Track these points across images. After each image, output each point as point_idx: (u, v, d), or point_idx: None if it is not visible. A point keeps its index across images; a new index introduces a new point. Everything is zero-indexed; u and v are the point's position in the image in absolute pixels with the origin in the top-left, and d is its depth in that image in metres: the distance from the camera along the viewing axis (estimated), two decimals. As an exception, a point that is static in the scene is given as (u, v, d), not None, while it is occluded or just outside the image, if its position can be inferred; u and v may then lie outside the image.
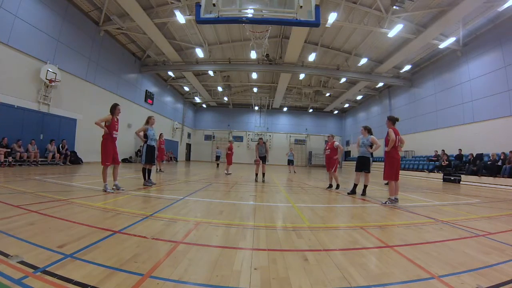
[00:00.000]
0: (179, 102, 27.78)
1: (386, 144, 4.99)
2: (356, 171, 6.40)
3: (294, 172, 15.91)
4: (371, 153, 6.27)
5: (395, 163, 4.93)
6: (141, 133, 6.16)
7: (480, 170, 11.36)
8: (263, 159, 8.93)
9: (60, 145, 11.69)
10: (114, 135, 5.04)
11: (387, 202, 4.92)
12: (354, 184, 6.28)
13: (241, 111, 32.60)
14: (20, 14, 9.66)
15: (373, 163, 22.43)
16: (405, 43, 14.42)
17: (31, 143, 10.11)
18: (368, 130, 6.30)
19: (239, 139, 32.32)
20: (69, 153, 11.92)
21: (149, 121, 6.33)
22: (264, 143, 8.98)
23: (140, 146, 18.28)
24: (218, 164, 18.32)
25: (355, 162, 6.63)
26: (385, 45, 15.98)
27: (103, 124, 4.90)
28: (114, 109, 5.06)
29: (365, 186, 6.21)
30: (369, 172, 6.29)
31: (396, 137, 4.91)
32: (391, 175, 4.91)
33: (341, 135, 32.41)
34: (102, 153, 4.91)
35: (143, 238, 2.36)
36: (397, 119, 5.16)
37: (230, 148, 12.45)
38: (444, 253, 2.31)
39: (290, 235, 2.74)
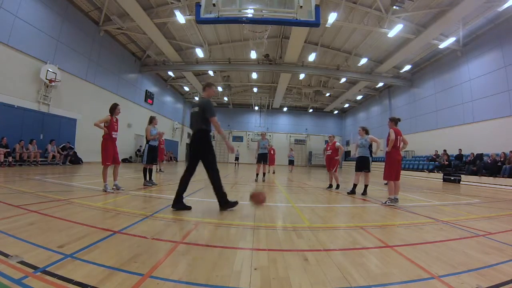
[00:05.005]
0: (179, 102, 27.77)
1: (387, 145, 5.01)
2: (356, 171, 6.47)
3: (291, 171, 16.21)
4: (371, 153, 6.35)
5: (395, 163, 4.93)
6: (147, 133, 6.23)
7: (480, 170, 11.35)
8: (265, 158, 8.76)
9: (64, 146, 11.75)
10: (113, 136, 5.03)
11: (387, 202, 4.92)
12: (354, 184, 6.33)
13: (241, 111, 32.59)
14: (20, 14, 9.66)
15: (373, 163, 22.73)
16: (405, 43, 14.42)
17: (31, 143, 10.11)
18: (366, 131, 6.43)
19: (239, 139, 32.30)
20: (71, 153, 11.95)
21: (152, 121, 6.38)
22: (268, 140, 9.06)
23: (140, 146, 18.33)
24: (236, 164, 22.56)
25: (355, 162, 6.68)
26: (385, 45, 15.97)
27: (102, 125, 4.89)
28: (113, 109, 5.06)
29: (366, 186, 6.25)
30: (369, 171, 6.35)
31: (397, 137, 4.92)
32: (390, 175, 4.92)
33: (341, 135, 32.40)
34: (103, 153, 4.92)
35: (143, 238, 2.36)
36: (399, 120, 5.17)
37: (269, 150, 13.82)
38: (444, 253, 2.31)
39: (290, 235, 2.73)
